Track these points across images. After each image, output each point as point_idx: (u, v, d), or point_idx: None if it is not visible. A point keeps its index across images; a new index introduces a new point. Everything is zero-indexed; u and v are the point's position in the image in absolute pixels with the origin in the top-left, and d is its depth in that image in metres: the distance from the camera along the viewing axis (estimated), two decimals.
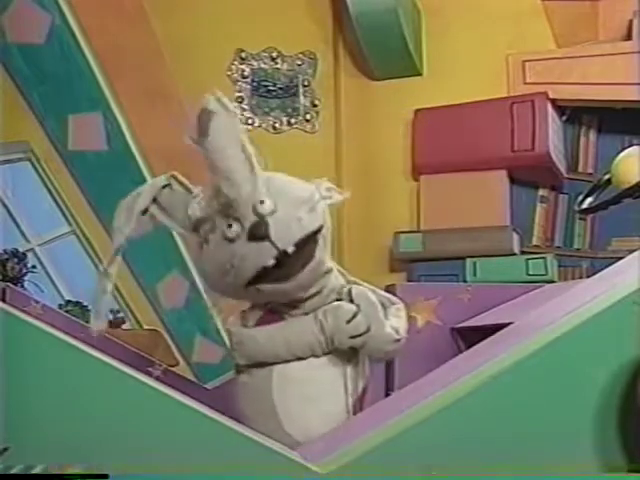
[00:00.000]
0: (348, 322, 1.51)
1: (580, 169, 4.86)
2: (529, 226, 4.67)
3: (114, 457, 1.07)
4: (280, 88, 4.85)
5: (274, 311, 1.57)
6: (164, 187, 1.55)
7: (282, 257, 1.44)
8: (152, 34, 4.47)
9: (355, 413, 1.56)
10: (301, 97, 4.86)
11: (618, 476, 1.16)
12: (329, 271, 1.57)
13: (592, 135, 4.91)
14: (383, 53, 4.58)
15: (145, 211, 1.53)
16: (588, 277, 2.06)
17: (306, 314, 1.55)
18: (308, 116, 4.84)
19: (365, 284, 1.62)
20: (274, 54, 4.83)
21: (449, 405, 1.14)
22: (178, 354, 4.27)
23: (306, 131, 4.84)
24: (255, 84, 4.81)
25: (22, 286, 3.96)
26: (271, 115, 4.82)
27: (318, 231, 1.49)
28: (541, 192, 4.77)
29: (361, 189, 4.45)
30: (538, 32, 4.59)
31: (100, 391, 1.12)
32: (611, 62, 4.29)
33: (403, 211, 4.70)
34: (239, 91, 4.74)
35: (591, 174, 4.72)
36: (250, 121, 4.71)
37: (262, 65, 4.83)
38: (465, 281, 4.23)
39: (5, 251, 4.06)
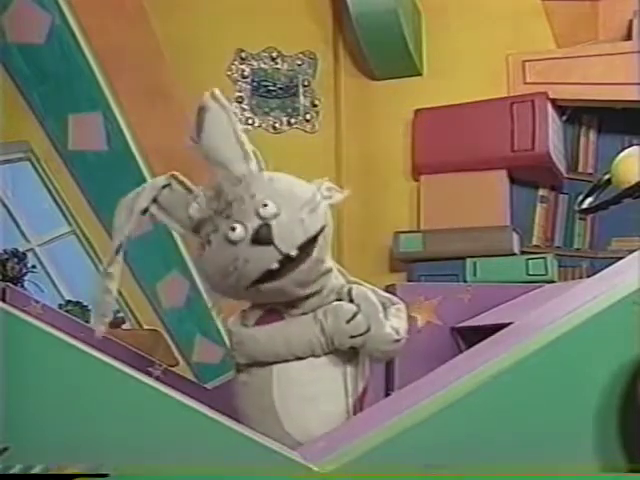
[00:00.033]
0: (348, 322, 1.51)
1: (580, 169, 4.86)
2: (529, 226, 4.67)
3: (114, 457, 1.07)
4: (280, 88, 4.85)
5: (274, 311, 1.57)
6: (164, 187, 1.55)
7: (285, 260, 1.44)
8: (152, 34, 4.47)
9: (355, 413, 1.56)
10: (301, 97, 4.86)
11: (618, 476, 1.16)
12: (329, 271, 1.57)
13: (592, 135, 4.91)
14: (383, 53, 4.58)
15: (145, 211, 1.54)
16: (588, 277, 2.06)
17: (306, 314, 1.55)
18: (308, 116, 4.84)
19: (365, 284, 1.62)
20: (274, 54, 4.83)
21: (449, 405, 1.14)
22: (178, 354, 4.28)
23: (306, 131, 4.84)
24: (255, 84, 4.82)
25: (22, 286, 3.97)
26: (271, 115, 4.82)
27: (320, 232, 1.50)
28: (541, 192, 4.77)
29: (361, 189, 4.45)
30: (538, 32, 4.59)
31: (100, 391, 1.12)
32: (611, 62, 4.30)
33: (403, 211, 4.70)
34: (239, 91, 4.74)
35: (591, 174, 4.72)
36: (250, 121, 4.71)
37: (262, 65, 4.83)
38: (465, 281, 4.23)
39: (5, 251, 4.06)
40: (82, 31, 4.30)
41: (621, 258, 1.45)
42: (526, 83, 4.51)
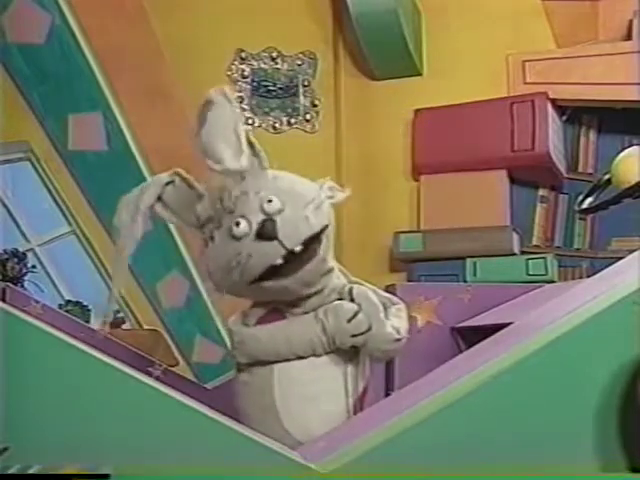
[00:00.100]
0: (349, 321, 1.51)
1: (580, 169, 4.86)
2: (529, 226, 4.67)
3: (114, 457, 1.07)
4: (280, 88, 4.85)
5: (275, 310, 1.57)
6: (167, 184, 1.56)
7: (289, 256, 1.44)
8: (152, 34, 4.47)
9: (355, 413, 1.56)
10: (301, 97, 4.86)
11: (618, 476, 1.16)
12: (331, 270, 1.58)
13: (592, 135, 4.91)
14: (383, 53, 4.58)
15: (150, 208, 1.54)
16: (588, 277, 2.06)
17: (307, 313, 1.55)
18: (308, 116, 4.84)
19: (366, 284, 1.62)
20: (274, 54, 4.83)
21: (449, 405, 1.14)
22: (178, 354, 4.28)
23: (306, 131, 4.84)
24: (255, 84, 4.82)
25: (22, 286, 3.97)
26: (271, 115, 4.82)
27: (324, 230, 1.50)
28: (541, 192, 4.77)
29: (361, 189, 4.45)
30: (538, 32, 4.59)
31: (100, 391, 1.12)
32: (611, 62, 4.30)
33: (403, 211, 4.70)
34: (239, 91, 4.73)
35: (591, 174, 4.72)
36: (250, 121, 4.71)
37: (262, 65, 4.83)
38: (465, 281, 4.23)
39: (5, 251, 4.06)
40: (82, 31, 4.30)
41: (621, 258, 1.45)
42: (526, 83, 4.51)
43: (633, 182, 1.89)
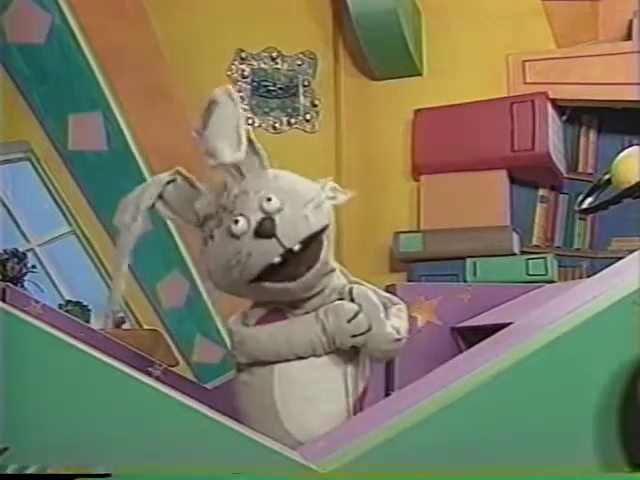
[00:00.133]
0: (349, 321, 1.51)
1: (580, 169, 4.86)
2: (529, 226, 4.67)
3: (114, 457, 1.07)
4: (280, 88, 4.85)
5: (275, 310, 1.57)
6: (169, 183, 1.56)
7: (288, 255, 1.44)
8: (152, 34, 4.47)
9: (355, 413, 1.56)
10: (301, 97, 4.86)
11: (618, 476, 1.16)
12: (332, 271, 1.58)
13: (592, 135, 4.91)
14: (383, 53, 4.58)
15: (151, 207, 1.54)
16: (588, 277, 2.06)
17: (307, 313, 1.55)
18: (308, 116, 4.84)
19: (367, 284, 1.62)
20: (274, 54, 4.84)
21: (449, 405, 1.14)
22: (178, 354, 4.28)
23: (306, 131, 4.84)
24: (255, 84, 4.82)
25: (22, 286, 3.97)
26: (271, 115, 4.82)
27: (324, 230, 1.50)
28: (541, 192, 4.77)
29: (361, 189, 4.44)
30: (538, 32, 4.59)
31: (100, 391, 1.12)
32: (611, 62, 4.30)
33: (403, 211, 4.70)
34: (239, 91, 4.74)
35: (591, 174, 4.72)
36: (250, 121, 4.71)
37: (262, 65, 4.83)
38: (465, 281, 4.23)
39: (5, 251, 4.06)
40: (82, 31, 4.30)
41: (621, 258, 1.45)
42: (526, 83, 4.51)
43: (633, 182, 1.89)
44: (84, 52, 4.31)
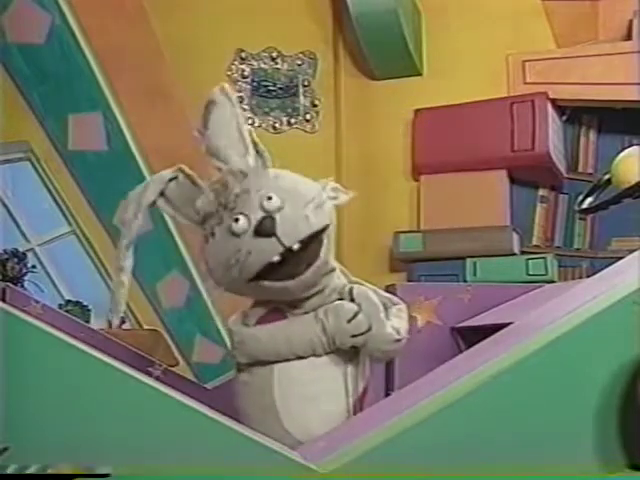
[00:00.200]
0: (349, 321, 1.51)
1: (580, 169, 4.86)
2: (529, 226, 4.67)
3: (114, 457, 1.07)
4: (280, 88, 4.85)
5: (275, 310, 1.57)
6: (171, 180, 1.56)
7: (287, 254, 1.44)
8: (152, 34, 4.47)
9: (355, 413, 1.56)
10: (301, 97, 4.86)
11: (618, 476, 1.16)
12: (332, 270, 1.58)
13: (592, 135, 4.91)
14: (383, 53, 4.58)
15: (153, 204, 1.54)
16: (588, 277, 2.06)
17: (307, 313, 1.55)
18: (308, 116, 4.84)
19: (367, 284, 1.62)
20: (274, 54, 4.83)
21: (449, 405, 1.14)
22: (178, 354, 4.28)
23: (306, 131, 4.84)
24: (255, 84, 4.82)
25: (22, 286, 3.97)
26: (271, 115, 4.82)
27: (324, 230, 1.50)
28: (541, 192, 4.77)
29: (361, 189, 4.44)
30: (538, 32, 4.59)
31: (100, 391, 1.12)
32: (611, 62, 4.30)
33: (403, 211, 4.70)
34: (239, 91, 4.74)
35: (591, 174, 4.72)
36: (250, 121, 4.70)
37: (262, 65, 4.83)
38: (465, 281, 4.23)
39: (5, 251, 4.07)
40: (82, 31, 4.30)
41: (621, 258, 1.45)
42: (526, 83, 4.51)
43: (633, 182, 1.89)
44: (84, 52, 4.31)
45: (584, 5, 4.71)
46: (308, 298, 1.55)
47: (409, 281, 4.37)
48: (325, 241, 1.51)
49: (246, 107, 4.75)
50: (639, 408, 1.13)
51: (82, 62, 4.32)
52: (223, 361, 4.04)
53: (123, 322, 4.37)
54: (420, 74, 4.74)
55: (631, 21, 4.50)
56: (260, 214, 1.45)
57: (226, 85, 1.52)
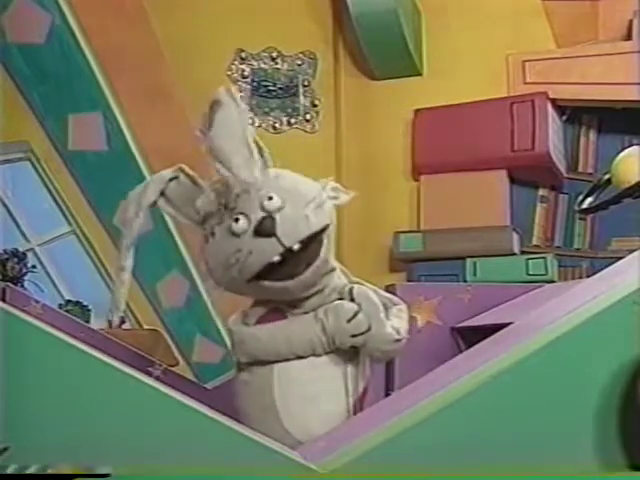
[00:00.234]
0: (349, 321, 1.51)
1: (580, 169, 4.86)
2: (529, 226, 4.67)
3: (114, 457, 1.07)
4: (280, 88, 4.85)
5: (275, 309, 1.57)
6: (171, 180, 1.56)
7: (287, 254, 1.44)
8: (152, 34, 4.47)
9: (355, 413, 1.56)
10: (301, 97, 4.86)
11: (618, 476, 1.16)
12: (332, 270, 1.58)
13: (592, 135, 4.91)
14: (383, 53, 4.58)
15: (153, 204, 1.54)
16: (588, 277, 2.06)
17: (307, 313, 1.55)
18: (308, 116, 4.84)
19: (367, 284, 1.62)
20: (274, 54, 4.83)
21: (449, 405, 1.14)
22: (178, 354, 4.27)
23: (306, 131, 4.84)
24: (255, 84, 4.82)
25: (22, 286, 3.97)
26: (271, 115, 4.82)
27: (324, 230, 1.50)
28: (541, 192, 4.77)
29: (361, 189, 4.40)
30: (538, 32, 4.59)
31: (100, 391, 1.12)
32: (611, 62, 4.30)
33: (403, 211, 4.70)
34: (239, 91, 4.73)
35: (591, 174, 4.72)
36: (250, 121, 4.69)
37: (262, 65, 4.83)
38: (465, 281, 4.23)
39: (5, 251, 4.06)
40: (82, 31, 4.30)
41: (621, 258, 1.45)
42: (526, 83, 4.51)
43: (633, 182, 1.89)
44: (84, 52, 4.31)
45: (584, 5, 4.71)
46: (308, 298, 1.55)
47: (409, 281, 4.37)
48: (325, 241, 1.51)
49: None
50: (639, 408, 1.13)
51: (82, 62, 4.32)
52: (223, 361, 4.04)
53: (123, 322, 4.37)
54: (420, 74, 4.74)
55: (631, 21, 4.50)
56: (260, 214, 1.45)
57: (231, 87, 1.52)
